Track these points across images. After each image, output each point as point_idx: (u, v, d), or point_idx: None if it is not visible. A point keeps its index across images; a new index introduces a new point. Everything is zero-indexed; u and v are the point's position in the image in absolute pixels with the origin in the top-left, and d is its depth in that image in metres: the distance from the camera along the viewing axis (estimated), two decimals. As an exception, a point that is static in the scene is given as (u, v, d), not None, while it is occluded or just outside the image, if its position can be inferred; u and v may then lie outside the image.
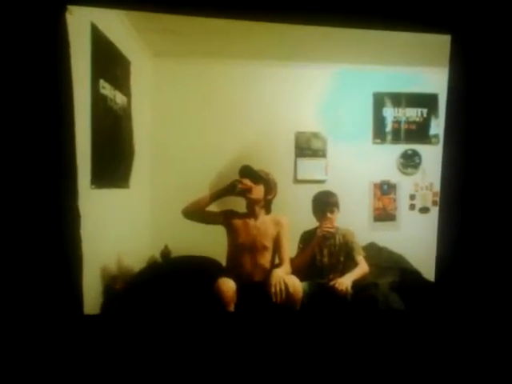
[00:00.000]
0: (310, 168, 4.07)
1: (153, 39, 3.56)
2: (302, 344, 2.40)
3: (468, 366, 2.37)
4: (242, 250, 2.98)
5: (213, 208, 2.98)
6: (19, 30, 1.98)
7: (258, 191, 3.00)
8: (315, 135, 4.11)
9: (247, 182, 2.96)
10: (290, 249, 3.10)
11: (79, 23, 2.32)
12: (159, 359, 2.23)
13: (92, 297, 2.49)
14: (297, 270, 3.02)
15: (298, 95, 4.06)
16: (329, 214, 3.16)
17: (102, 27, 2.74)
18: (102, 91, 2.82)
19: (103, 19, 2.74)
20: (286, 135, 4.06)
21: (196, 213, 2.92)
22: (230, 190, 2.92)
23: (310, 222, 3.26)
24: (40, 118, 2.03)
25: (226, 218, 3.03)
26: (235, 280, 2.78)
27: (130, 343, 2.23)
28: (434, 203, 4.11)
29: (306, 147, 4.09)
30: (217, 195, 2.95)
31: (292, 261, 3.05)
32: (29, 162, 2.02)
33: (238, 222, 3.02)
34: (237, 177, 2.99)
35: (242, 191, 2.95)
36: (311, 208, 3.27)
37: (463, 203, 2.50)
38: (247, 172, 3.00)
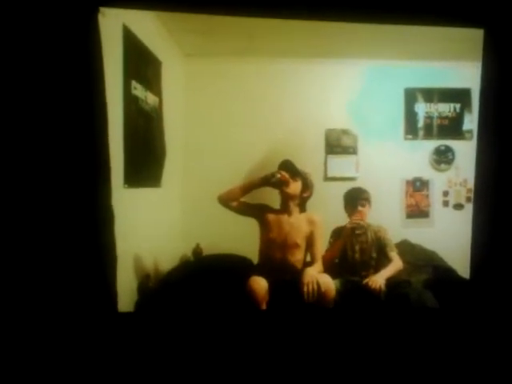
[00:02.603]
0: (340, 165, 4.06)
1: (183, 39, 3.60)
2: (335, 342, 2.39)
3: (503, 364, 2.33)
4: (274, 246, 2.98)
5: (248, 201, 2.99)
6: (52, 33, 2.01)
7: (295, 187, 3.00)
8: (345, 132, 4.09)
9: (286, 174, 2.96)
10: (323, 246, 3.10)
11: (111, 25, 2.34)
12: (192, 357, 2.25)
13: (126, 295, 2.51)
14: (328, 265, 3.02)
15: (328, 92, 4.05)
16: (359, 208, 3.15)
17: (133, 28, 2.76)
18: (134, 92, 2.86)
19: (135, 20, 2.77)
20: (316, 132, 4.06)
21: (231, 201, 2.92)
22: (268, 179, 2.92)
23: (340, 219, 3.24)
24: (74, 119, 2.06)
25: (260, 212, 3.03)
26: (267, 278, 2.77)
27: (163, 341, 2.25)
28: (468, 200, 4.05)
29: (336, 144, 4.08)
30: (254, 184, 2.96)
31: (323, 256, 3.05)
32: (64, 163, 2.05)
33: (271, 217, 3.01)
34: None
35: (280, 183, 2.94)
36: (343, 204, 3.26)
37: (498, 199, 2.46)
38: (287, 166, 3.00)
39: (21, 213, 2.00)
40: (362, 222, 3.11)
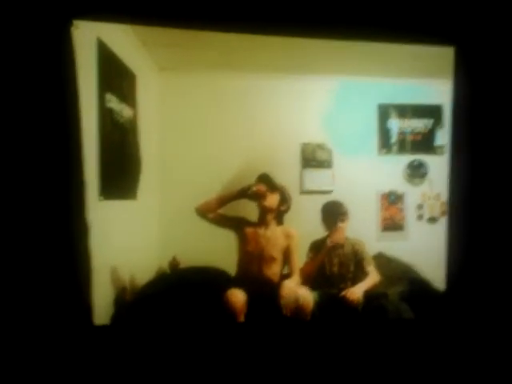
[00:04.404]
0: (316, 178, 4.08)
1: (158, 53, 3.59)
2: (312, 355, 2.39)
3: (479, 375, 2.35)
4: (251, 258, 2.98)
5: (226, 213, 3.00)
6: (24, 45, 2.00)
7: (273, 199, 3.01)
8: (320, 146, 4.12)
9: (263, 187, 2.96)
10: (299, 259, 3.10)
11: (85, 37, 2.33)
12: (168, 370, 2.22)
13: (102, 307, 2.48)
14: (306, 279, 3.02)
15: (303, 107, 4.07)
16: (340, 224, 3.15)
17: (107, 41, 2.75)
18: (109, 104, 2.84)
19: (109, 33, 2.76)
20: (291, 147, 4.07)
21: (209, 212, 2.93)
22: (245, 191, 2.95)
23: (317, 232, 3.26)
24: (47, 131, 2.04)
25: (238, 224, 3.03)
26: (245, 290, 2.77)
27: (139, 354, 2.22)
28: (442, 213, 4.10)
29: (312, 158, 4.10)
30: (232, 196, 2.98)
31: (301, 269, 3.05)
32: (37, 175, 2.03)
33: (248, 230, 3.02)
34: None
35: (257, 196, 2.96)
36: (320, 218, 3.27)
37: (471, 212, 2.49)
38: (265, 179, 3.02)
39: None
40: (341, 241, 3.14)
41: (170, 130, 3.85)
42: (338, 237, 3.12)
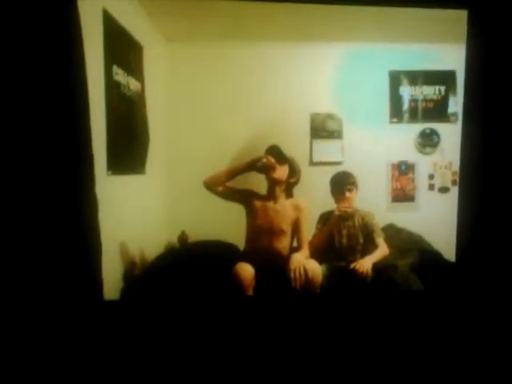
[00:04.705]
0: (325, 150, 4.05)
1: (165, 23, 3.54)
2: (322, 327, 2.40)
3: (488, 347, 2.35)
4: (260, 232, 2.97)
5: (234, 186, 2.98)
6: (30, 18, 1.97)
7: (282, 172, 2.98)
8: (330, 116, 4.08)
9: (272, 159, 2.94)
10: (309, 231, 3.09)
11: (91, 9, 2.32)
12: (178, 344, 2.25)
13: (112, 282, 2.50)
14: (315, 251, 3.02)
15: (312, 76, 4.03)
16: (347, 194, 3.12)
17: (113, 13, 2.72)
18: (116, 77, 2.82)
19: (115, 4, 2.73)
20: (300, 117, 4.04)
21: (217, 185, 2.90)
22: (254, 164, 2.90)
23: (326, 204, 3.24)
24: (54, 106, 2.02)
25: (246, 198, 3.01)
26: (253, 264, 2.77)
27: (149, 329, 2.25)
28: (454, 182, 4.07)
29: (322, 128, 4.06)
30: (240, 169, 2.94)
31: (310, 242, 3.05)
32: (45, 151, 2.02)
33: (257, 203, 3.00)
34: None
35: (266, 168, 2.92)
36: (329, 189, 3.24)
37: (483, 182, 2.46)
38: (274, 151, 2.97)
39: (2, 202, 1.97)
40: (349, 210, 3.10)
41: (178, 102, 3.83)
42: (344, 206, 3.09)
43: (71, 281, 2.06)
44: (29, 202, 2.01)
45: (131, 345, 2.18)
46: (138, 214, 3.09)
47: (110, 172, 2.63)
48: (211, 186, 2.89)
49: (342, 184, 3.16)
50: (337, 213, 3.09)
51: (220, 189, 2.90)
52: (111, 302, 2.33)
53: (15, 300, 2.00)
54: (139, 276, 2.85)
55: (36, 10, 1.96)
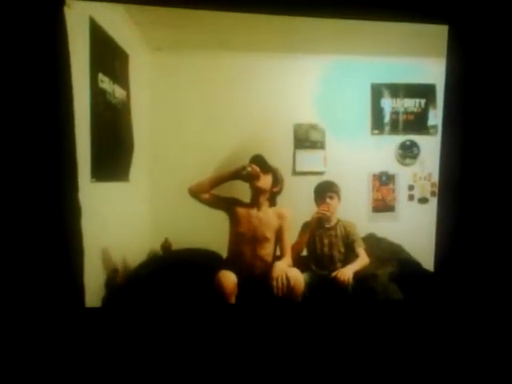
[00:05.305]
0: (308, 160, 4.07)
1: (151, 33, 3.55)
2: (303, 336, 2.42)
3: (467, 357, 2.39)
4: (243, 240, 2.99)
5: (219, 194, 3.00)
6: (17, 25, 1.98)
7: (266, 181, 3.02)
8: (313, 127, 4.10)
9: (257, 168, 2.97)
10: (291, 240, 3.11)
11: (78, 17, 2.31)
12: (160, 352, 2.25)
13: (93, 290, 2.49)
14: (296, 256, 3.07)
15: (296, 87, 4.04)
16: (328, 200, 3.20)
17: (100, 21, 2.72)
18: (101, 85, 2.82)
19: (102, 13, 2.72)
20: (284, 127, 4.05)
21: (202, 193, 2.92)
22: (238, 172, 2.93)
23: (309, 213, 3.25)
24: (39, 113, 2.03)
25: (230, 205, 3.04)
26: (236, 272, 2.78)
27: (131, 336, 2.24)
28: (433, 194, 4.11)
29: (305, 139, 4.08)
30: (225, 177, 2.97)
31: (292, 246, 3.08)
32: (29, 157, 2.03)
33: (240, 211, 3.03)
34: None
35: (250, 177, 2.96)
36: (313, 198, 3.30)
37: (462, 193, 2.51)
38: (258, 160, 3.01)
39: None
40: (327, 213, 3.15)
41: (163, 110, 3.82)
42: (323, 209, 3.16)
43: (52, 287, 2.07)
44: (11, 208, 2.01)
45: (112, 352, 2.18)
46: (121, 221, 3.08)
47: (93, 179, 2.62)
48: (196, 193, 2.91)
49: (324, 191, 3.25)
50: (315, 216, 3.16)
51: (205, 196, 2.92)
52: (93, 309, 2.33)
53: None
54: (121, 283, 2.84)
55: (23, 17, 1.98)
